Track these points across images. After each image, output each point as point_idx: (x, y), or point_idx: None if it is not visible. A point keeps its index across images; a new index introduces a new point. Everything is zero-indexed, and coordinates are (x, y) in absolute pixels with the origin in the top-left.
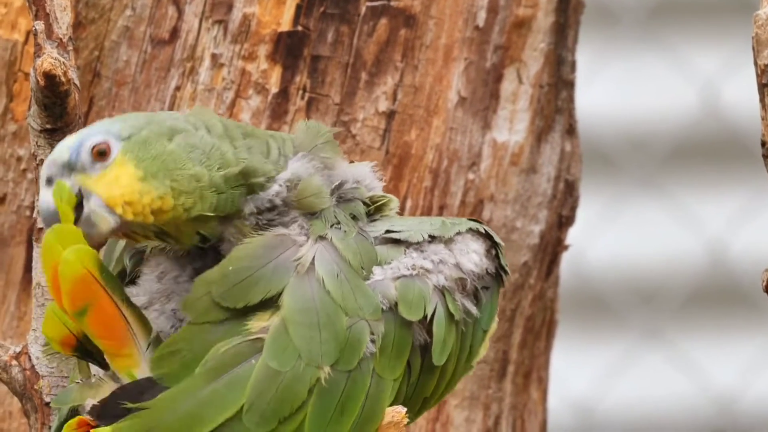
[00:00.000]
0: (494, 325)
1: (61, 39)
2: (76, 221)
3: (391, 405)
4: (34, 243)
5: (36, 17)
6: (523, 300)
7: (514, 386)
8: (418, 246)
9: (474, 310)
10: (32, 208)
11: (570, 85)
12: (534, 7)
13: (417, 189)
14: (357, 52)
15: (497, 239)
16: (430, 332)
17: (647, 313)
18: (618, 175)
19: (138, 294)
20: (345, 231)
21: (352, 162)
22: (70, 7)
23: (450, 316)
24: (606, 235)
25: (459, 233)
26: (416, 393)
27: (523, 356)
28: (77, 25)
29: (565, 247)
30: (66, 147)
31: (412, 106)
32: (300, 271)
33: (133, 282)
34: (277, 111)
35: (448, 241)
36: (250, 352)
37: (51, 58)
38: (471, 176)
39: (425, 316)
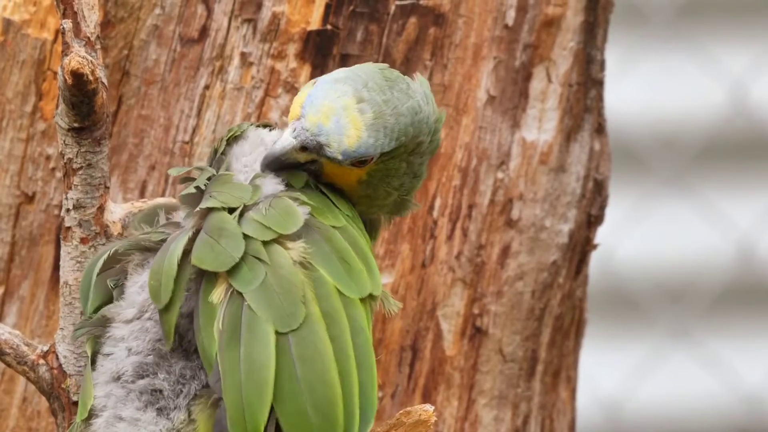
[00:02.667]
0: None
1: (88, 38)
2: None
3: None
4: (62, 242)
5: (64, 16)
6: (552, 299)
7: (543, 385)
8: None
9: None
10: (61, 206)
11: (599, 83)
12: (563, 5)
13: (446, 188)
14: (386, 50)
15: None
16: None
17: (676, 312)
18: (647, 174)
19: (126, 307)
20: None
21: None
22: (99, 6)
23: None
24: (635, 234)
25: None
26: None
27: (552, 355)
28: (106, 23)
29: (594, 246)
30: (341, 152)
31: (441, 104)
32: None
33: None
34: None
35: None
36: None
37: (78, 57)
38: (500, 175)
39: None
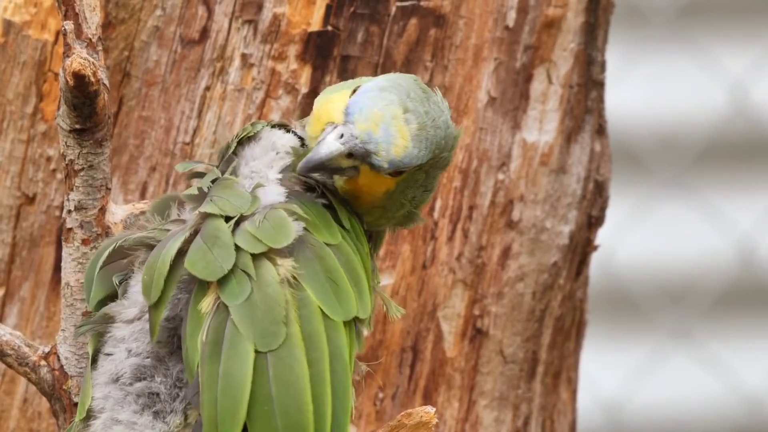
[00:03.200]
0: None
1: (90, 39)
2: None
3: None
4: (63, 243)
5: (65, 17)
6: (553, 300)
7: (544, 386)
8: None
9: None
10: (61, 208)
11: (600, 85)
12: (564, 7)
13: (447, 189)
14: (387, 52)
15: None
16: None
17: (676, 313)
18: (647, 175)
19: (128, 306)
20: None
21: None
22: (100, 7)
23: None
24: (635, 236)
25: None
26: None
27: (553, 356)
28: (107, 25)
29: (595, 248)
30: (389, 161)
31: None
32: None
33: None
34: (307, 111)
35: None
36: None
37: (80, 58)
38: (501, 176)
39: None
